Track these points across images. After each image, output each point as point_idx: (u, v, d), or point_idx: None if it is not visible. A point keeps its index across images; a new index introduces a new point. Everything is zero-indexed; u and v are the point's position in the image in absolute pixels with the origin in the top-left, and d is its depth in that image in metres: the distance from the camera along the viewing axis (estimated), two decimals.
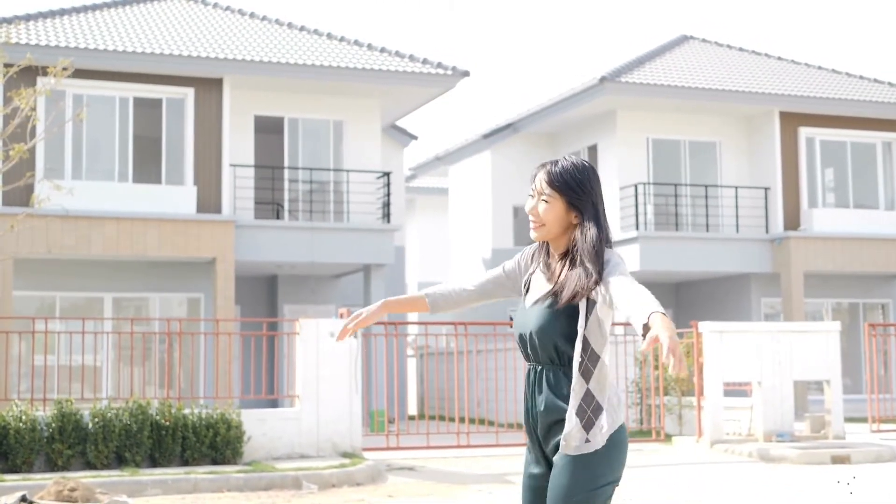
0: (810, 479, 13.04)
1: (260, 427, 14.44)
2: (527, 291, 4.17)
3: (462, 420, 16.39)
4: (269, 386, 21.00)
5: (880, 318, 27.35)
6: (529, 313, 4.05)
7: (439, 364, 25.68)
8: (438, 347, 26.51)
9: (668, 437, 17.66)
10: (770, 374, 16.54)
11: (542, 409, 3.99)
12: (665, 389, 18.45)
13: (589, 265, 3.92)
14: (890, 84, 27.52)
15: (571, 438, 3.90)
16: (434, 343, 20.69)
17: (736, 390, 18.73)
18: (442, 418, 22.95)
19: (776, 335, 16.71)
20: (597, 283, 3.90)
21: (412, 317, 29.40)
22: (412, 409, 27.96)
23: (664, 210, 26.35)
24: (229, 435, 13.72)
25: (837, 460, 14.77)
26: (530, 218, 4.09)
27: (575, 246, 4.01)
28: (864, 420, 20.75)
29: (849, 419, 19.83)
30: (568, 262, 4.03)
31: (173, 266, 22.52)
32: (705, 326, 16.53)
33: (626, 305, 3.75)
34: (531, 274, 4.20)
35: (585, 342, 3.94)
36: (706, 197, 26.07)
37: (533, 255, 4.25)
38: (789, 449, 15.14)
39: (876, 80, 27.65)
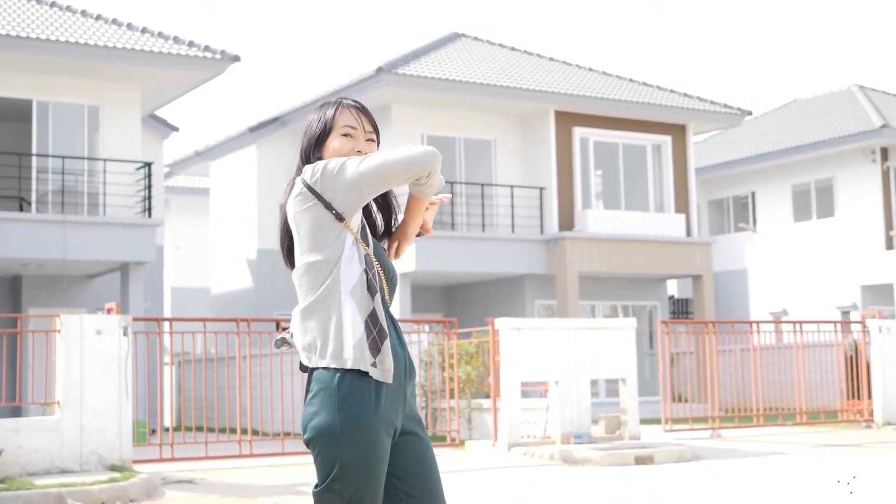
0: (618, 481, 12.36)
1: (13, 439, 12.53)
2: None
3: (227, 430, 14.87)
4: (10, 392, 18.85)
5: (647, 321, 27.39)
6: (386, 256, 3.83)
7: (197, 371, 23.89)
8: (196, 354, 24.70)
9: (462, 443, 16.66)
10: (567, 373, 15.81)
11: (407, 356, 3.67)
12: (455, 392, 17.42)
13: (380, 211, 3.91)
14: (659, 88, 27.67)
15: None
16: (192, 347, 19.32)
17: (527, 391, 17.95)
18: (200, 429, 21.23)
19: (573, 332, 15.99)
20: None
21: (168, 314, 27.09)
22: (168, 421, 25.98)
23: (440, 209, 25.51)
24: None
25: (641, 461, 14.17)
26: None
27: None
28: (646, 421, 20.43)
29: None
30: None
31: None
32: (502, 323, 15.61)
33: None
34: None
35: None
36: (482, 196, 25.43)
37: None
38: (592, 450, 14.42)
39: (645, 84, 27.75)
